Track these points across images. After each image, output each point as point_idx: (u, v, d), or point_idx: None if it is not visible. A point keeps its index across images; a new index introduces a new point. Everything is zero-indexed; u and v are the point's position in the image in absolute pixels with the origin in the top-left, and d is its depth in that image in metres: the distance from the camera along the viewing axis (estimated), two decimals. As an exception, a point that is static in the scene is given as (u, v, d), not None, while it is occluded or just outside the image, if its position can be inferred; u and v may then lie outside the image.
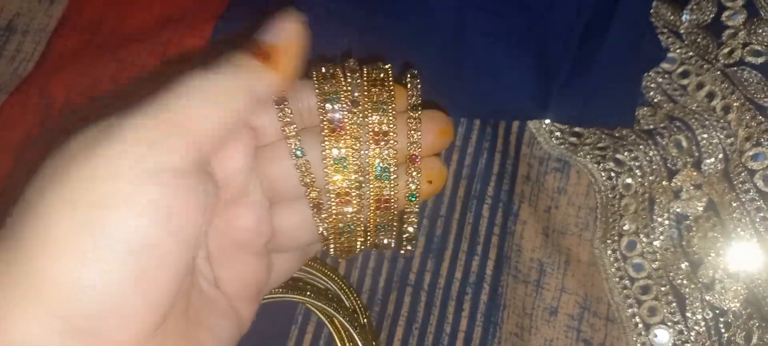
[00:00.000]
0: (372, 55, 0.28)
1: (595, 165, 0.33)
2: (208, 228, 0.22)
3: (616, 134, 0.34)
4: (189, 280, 0.21)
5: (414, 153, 0.23)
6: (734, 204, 0.31)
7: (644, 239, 0.32)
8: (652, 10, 0.35)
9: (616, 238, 0.32)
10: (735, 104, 0.32)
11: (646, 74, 0.35)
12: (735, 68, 0.33)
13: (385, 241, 0.24)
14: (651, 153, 0.33)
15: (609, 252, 0.32)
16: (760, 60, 0.32)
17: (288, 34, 0.21)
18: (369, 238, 0.24)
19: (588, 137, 0.34)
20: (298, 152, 0.22)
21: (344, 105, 0.22)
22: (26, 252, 0.17)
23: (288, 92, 0.22)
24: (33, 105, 0.36)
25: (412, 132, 0.23)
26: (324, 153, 0.22)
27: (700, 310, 0.30)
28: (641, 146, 0.33)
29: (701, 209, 0.32)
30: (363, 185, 0.23)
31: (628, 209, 0.33)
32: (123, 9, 0.40)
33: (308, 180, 0.22)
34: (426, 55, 0.35)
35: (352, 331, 0.30)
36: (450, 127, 0.25)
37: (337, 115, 0.22)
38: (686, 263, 0.31)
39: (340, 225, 0.23)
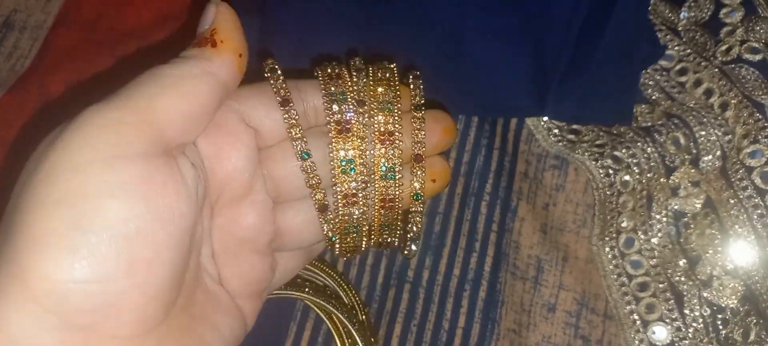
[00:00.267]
0: (377, 54, 0.28)
1: (593, 162, 0.33)
2: (210, 225, 0.22)
3: (614, 131, 0.34)
4: (192, 276, 0.21)
5: (418, 152, 0.23)
6: (732, 201, 0.31)
7: (642, 236, 0.32)
8: (650, 8, 0.35)
9: (614, 235, 0.32)
10: (733, 102, 0.32)
11: (644, 72, 0.35)
12: (733, 65, 0.33)
13: (389, 239, 0.24)
14: (649, 150, 0.33)
15: (607, 249, 0.32)
16: (758, 57, 0.32)
17: (220, 16, 0.22)
18: (374, 237, 0.24)
19: (586, 134, 0.34)
20: (305, 154, 0.22)
21: (351, 106, 0.22)
22: (15, 251, 0.17)
23: (293, 93, 0.23)
24: (31, 102, 0.36)
25: (417, 132, 0.23)
26: (331, 155, 0.22)
27: (698, 307, 0.30)
28: (639, 143, 0.33)
29: (699, 206, 0.32)
30: (368, 185, 0.23)
31: (626, 206, 0.33)
32: (121, 6, 0.39)
33: (314, 182, 0.22)
34: (424, 52, 0.35)
35: (350, 327, 0.30)
36: (453, 126, 0.25)
37: (345, 116, 0.22)
38: (684, 260, 0.31)
39: (346, 226, 0.23)
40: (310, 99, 0.23)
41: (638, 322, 0.31)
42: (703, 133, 0.32)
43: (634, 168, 0.33)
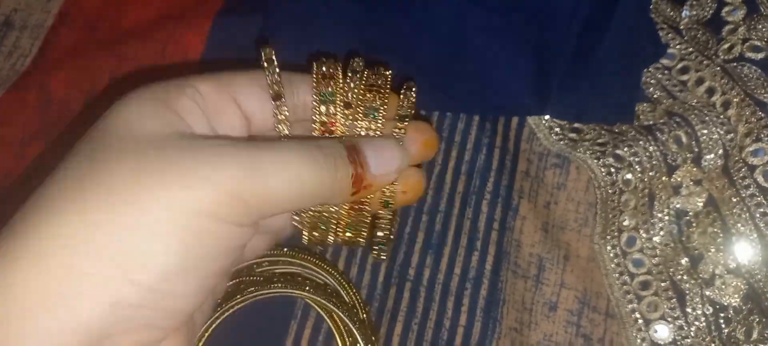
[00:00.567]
0: (376, 56, 0.28)
1: (595, 161, 0.33)
2: None
3: (616, 130, 0.34)
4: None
5: None
6: (734, 200, 0.31)
7: (644, 235, 0.32)
8: (651, 6, 0.35)
9: (615, 233, 0.32)
10: (735, 100, 0.32)
11: (645, 70, 0.34)
12: (735, 64, 0.33)
13: (355, 239, 0.25)
14: (651, 149, 0.33)
15: (609, 248, 0.32)
16: (760, 56, 0.32)
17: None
18: (340, 234, 0.25)
19: (588, 133, 0.34)
20: None
21: (338, 108, 0.23)
22: (72, 251, 0.17)
23: (285, 87, 0.23)
24: (31, 101, 0.36)
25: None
26: None
27: (700, 305, 0.30)
28: (641, 142, 0.33)
29: (701, 204, 0.32)
30: None
31: (628, 205, 0.32)
32: (121, 5, 0.39)
33: None
34: (424, 50, 0.35)
35: (351, 326, 0.30)
36: (435, 140, 0.26)
37: (331, 118, 0.23)
38: (686, 259, 0.31)
39: (316, 219, 0.24)
40: (302, 95, 0.24)
41: (640, 321, 0.31)
42: (705, 131, 0.32)
43: (636, 166, 0.33)
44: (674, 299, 0.31)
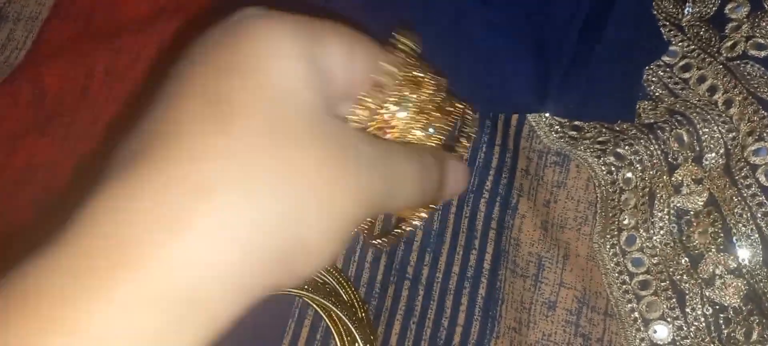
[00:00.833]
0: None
1: (595, 159, 0.33)
2: None
3: (617, 128, 0.34)
4: None
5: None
6: (735, 199, 0.30)
7: (644, 234, 0.32)
8: (653, 3, 0.35)
9: (615, 232, 0.32)
10: (737, 98, 0.32)
11: (647, 67, 0.34)
12: (737, 62, 0.32)
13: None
14: (652, 147, 0.32)
15: (608, 247, 0.32)
16: (764, 53, 0.32)
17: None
18: None
19: (588, 131, 0.34)
20: None
21: (411, 113, 0.22)
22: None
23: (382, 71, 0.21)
24: (25, 94, 0.36)
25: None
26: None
27: (700, 306, 0.30)
28: (642, 140, 0.32)
29: (702, 203, 0.31)
30: None
31: (628, 204, 0.32)
32: (116, -3, 0.39)
33: None
34: (424, 46, 0.35)
35: (349, 324, 0.30)
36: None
37: (393, 121, 0.21)
38: (686, 259, 0.31)
39: None
40: (384, 79, 0.21)
41: (639, 320, 0.31)
42: (706, 130, 0.32)
43: (637, 165, 0.32)
44: (674, 299, 0.31)
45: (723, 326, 0.30)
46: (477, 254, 0.32)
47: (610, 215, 0.32)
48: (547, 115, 0.34)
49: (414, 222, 0.24)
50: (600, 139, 0.33)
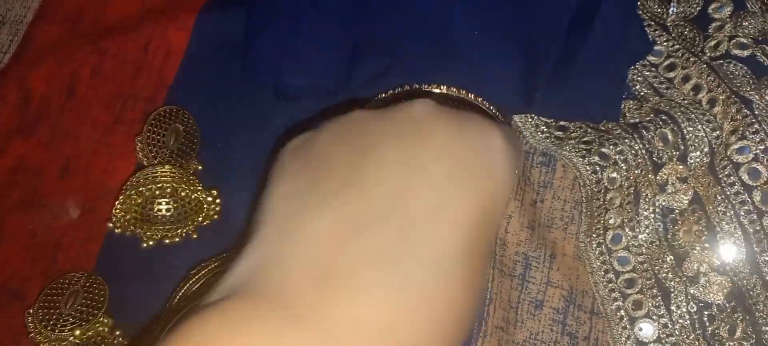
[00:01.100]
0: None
1: (580, 159, 0.33)
2: None
3: (602, 128, 0.34)
4: None
5: None
6: (719, 198, 0.31)
7: (629, 233, 0.32)
8: (638, 3, 0.35)
9: (601, 231, 0.32)
10: (721, 97, 0.32)
11: (632, 67, 0.34)
12: (721, 61, 0.32)
13: None
14: (636, 146, 0.32)
15: (594, 246, 0.32)
16: (746, 53, 0.32)
17: None
18: None
19: (574, 131, 0.34)
20: None
21: None
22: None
23: None
24: (10, 98, 0.36)
25: None
26: None
27: (685, 303, 0.30)
28: (627, 140, 0.33)
29: (687, 202, 0.32)
30: None
31: (614, 203, 0.32)
32: (103, -1, 0.39)
33: None
34: (411, 46, 0.35)
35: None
36: None
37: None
38: (671, 257, 0.31)
39: None
40: None
41: (625, 318, 0.31)
42: (691, 129, 0.32)
43: (622, 165, 0.33)
44: (659, 297, 0.31)
45: (707, 324, 0.30)
46: (464, 254, 0.32)
47: (596, 214, 0.33)
48: (533, 115, 0.35)
49: None
50: (585, 139, 0.34)
